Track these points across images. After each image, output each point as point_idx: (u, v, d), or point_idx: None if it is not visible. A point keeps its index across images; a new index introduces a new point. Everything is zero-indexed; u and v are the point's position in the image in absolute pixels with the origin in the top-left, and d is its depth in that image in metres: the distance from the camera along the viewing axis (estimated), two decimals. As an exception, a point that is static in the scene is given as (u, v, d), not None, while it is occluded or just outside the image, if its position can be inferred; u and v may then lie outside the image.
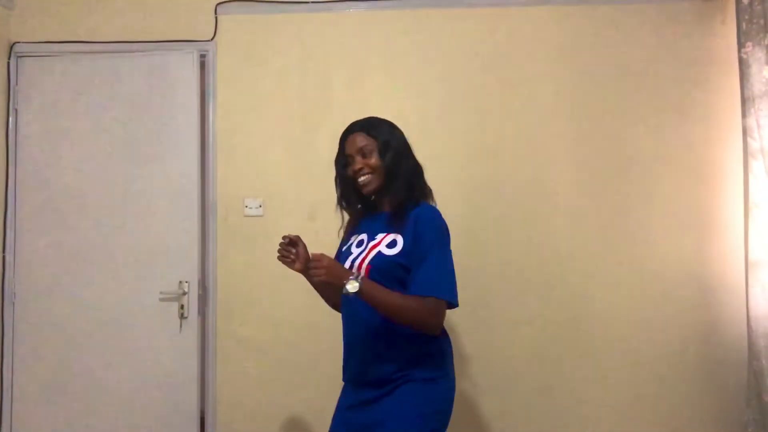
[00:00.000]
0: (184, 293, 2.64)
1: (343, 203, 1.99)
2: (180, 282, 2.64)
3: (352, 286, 1.66)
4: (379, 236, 1.83)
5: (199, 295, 2.66)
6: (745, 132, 2.61)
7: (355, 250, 1.87)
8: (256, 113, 2.78)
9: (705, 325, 2.76)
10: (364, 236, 1.88)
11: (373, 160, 1.87)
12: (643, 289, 2.76)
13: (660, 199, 2.77)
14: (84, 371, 2.64)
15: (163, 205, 2.68)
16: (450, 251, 1.82)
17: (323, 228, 2.70)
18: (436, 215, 1.84)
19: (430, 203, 1.91)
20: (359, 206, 1.99)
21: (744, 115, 2.61)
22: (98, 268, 2.67)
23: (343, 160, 1.95)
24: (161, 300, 2.64)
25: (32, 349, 2.66)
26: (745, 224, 2.63)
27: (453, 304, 1.77)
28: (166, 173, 2.69)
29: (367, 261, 1.80)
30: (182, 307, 2.63)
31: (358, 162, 1.88)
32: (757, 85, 2.55)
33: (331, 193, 2.67)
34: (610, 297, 2.75)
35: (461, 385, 2.70)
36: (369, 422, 1.78)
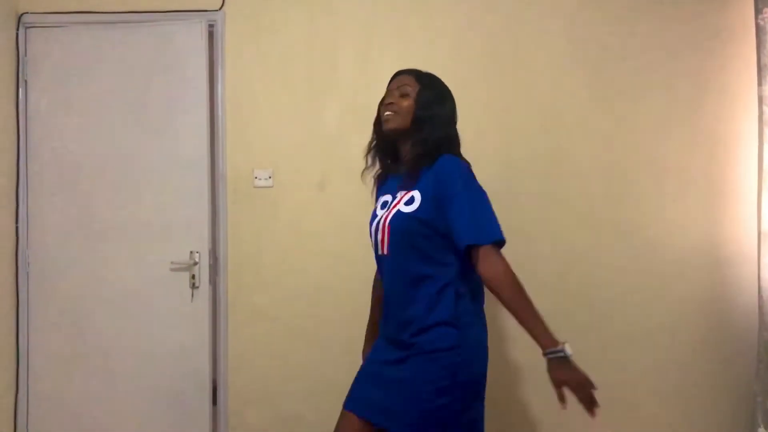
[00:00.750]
0: (195, 263, 2.66)
1: (375, 151, 1.94)
2: (191, 252, 2.66)
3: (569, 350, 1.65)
4: (399, 195, 1.80)
5: (210, 265, 2.68)
6: (760, 100, 2.57)
7: (380, 212, 1.85)
8: (265, 84, 2.77)
9: (716, 295, 2.75)
10: (388, 197, 1.86)
11: (407, 102, 1.81)
12: (654, 259, 2.75)
13: (673, 167, 2.74)
14: (97, 341, 2.68)
15: (174, 176, 2.69)
16: (480, 187, 1.75)
17: (333, 198, 2.71)
18: (456, 161, 1.76)
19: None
20: (388, 161, 1.93)
21: (760, 83, 2.57)
22: (110, 238, 2.69)
23: (382, 100, 1.90)
24: (172, 270, 2.67)
25: (47, 319, 2.70)
26: (758, 194, 2.61)
27: (501, 242, 1.70)
28: (175, 144, 2.69)
29: (387, 222, 1.79)
30: (193, 276, 2.66)
31: (391, 96, 1.84)
32: (773, 52, 2.50)
33: (340, 163, 2.71)
34: (619, 266, 2.74)
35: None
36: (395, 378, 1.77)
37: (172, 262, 2.66)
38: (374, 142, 1.94)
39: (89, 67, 2.72)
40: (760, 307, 2.56)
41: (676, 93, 2.75)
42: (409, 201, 1.75)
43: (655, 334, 2.75)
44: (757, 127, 2.61)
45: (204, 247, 2.67)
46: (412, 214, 1.73)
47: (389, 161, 1.93)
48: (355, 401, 1.84)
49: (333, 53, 2.76)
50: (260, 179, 2.74)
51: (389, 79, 1.92)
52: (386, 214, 1.81)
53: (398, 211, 1.76)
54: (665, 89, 2.75)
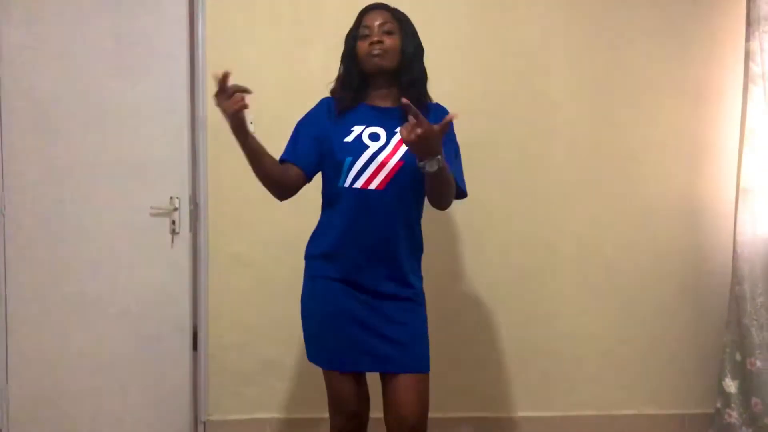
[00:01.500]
0: (175, 209, 2.63)
1: (345, 83, 1.89)
2: (171, 198, 2.63)
3: (436, 162, 1.60)
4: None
5: (190, 211, 2.66)
6: (747, 56, 2.57)
7: (372, 143, 1.80)
8: (247, 28, 2.69)
9: (692, 248, 2.81)
10: (378, 130, 1.82)
11: (392, 40, 1.82)
12: (633, 211, 2.79)
13: (656, 121, 2.76)
14: (77, 286, 2.66)
15: (153, 120, 2.62)
16: None
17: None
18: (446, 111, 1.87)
19: None
20: (354, 91, 1.89)
21: (747, 38, 2.56)
22: (87, 182, 2.63)
23: (355, 34, 1.86)
24: (152, 215, 2.63)
25: (23, 263, 2.66)
26: (739, 150, 2.63)
27: (465, 194, 1.90)
28: (154, 87, 2.61)
29: (397, 157, 1.77)
30: (173, 222, 2.63)
31: (376, 34, 1.81)
32: (764, 6, 2.48)
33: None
34: (599, 216, 2.78)
35: (451, 301, 2.76)
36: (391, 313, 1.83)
37: (151, 207, 2.63)
38: (345, 77, 1.90)
39: (65, 5, 2.61)
40: (734, 260, 2.62)
41: (663, 45, 2.74)
42: None
43: (630, 284, 2.81)
44: (743, 83, 2.61)
45: (184, 193, 2.64)
46: None
47: (354, 86, 1.89)
48: (348, 361, 1.85)
49: (318, -4, 2.68)
50: (242, 125, 2.69)
51: (359, 14, 1.89)
52: (390, 148, 1.78)
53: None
54: (652, 41, 2.73)
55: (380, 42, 1.80)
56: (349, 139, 1.81)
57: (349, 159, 1.79)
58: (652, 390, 2.85)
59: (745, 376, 2.61)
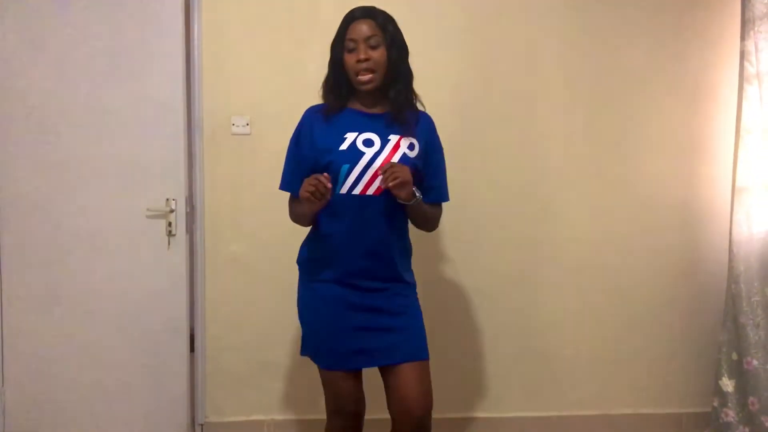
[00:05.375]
0: (172, 210, 2.62)
1: (333, 90, 1.91)
2: (167, 199, 2.62)
3: (419, 194, 1.82)
4: (394, 138, 1.85)
5: (186, 213, 2.65)
6: (742, 56, 2.57)
7: (367, 149, 1.83)
8: (244, 27, 2.68)
9: (688, 247, 2.82)
10: (372, 136, 1.84)
11: (378, 53, 1.82)
12: (629, 211, 2.79)
13: (652, 121, 2.76)
14: (73, 288, 2.65)
15: (149, 121, 2.61)
16: None
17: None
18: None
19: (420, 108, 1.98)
20: (342, 95, 1.92)
21: (743, 38, 2.56)
22: (84, 184, 2.63)
23: (341, 46, 1.86)
24: (148, 217, 2.63)
25: (19, 263, 2.65)
26: (735, 150, 2.64)
27: (446, 198, 2.02)
28: (150, 89, 2.60)
29: (394, 161, 1.81)
30: (170, 224, 2.62)
31: (363, 51, 1.82)
32: (758, 5, 2.49)
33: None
34: (595, 218, 2.78)
35: (446, 303, 2.77)
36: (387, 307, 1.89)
37: (148, 209, 2.62)
38: (333, 85, 1.92)
39: (59, 6, 2.60)
40: (730, 260, 2.62)
41: (659, 45, 2.74)
42: (411, 146, 1.86)
43: (627, 284, 2.82)
44: (738, 83, 2.62)
45: (181, 195, 2.63)
46: (415, 160, 1.86)
47: (343, 94, 1.91)
48: (348, 358, 1.89)
49: (313, -3, 2.68)
50: (238, 126, 2.69)
51: (343, 18, 1.88)
52: (386, 154, 1.82)
53: (405, 155, 1.83)
54: (648, 40, 2.74)
55: (367, 60, 1.81)
56: (344, 147, 1.83)
57: (346, 167, 1.81)
58: (649, 389, 2.85)
59: (741, 375, 2.61)
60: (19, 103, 2.61)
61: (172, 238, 2.64)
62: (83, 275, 2.65)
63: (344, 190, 1.82)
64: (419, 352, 1.88)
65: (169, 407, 2.69)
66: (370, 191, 1.81)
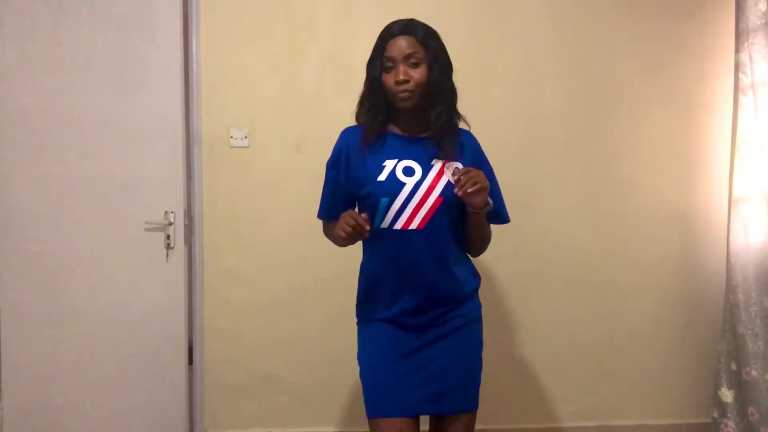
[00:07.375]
0: (170, 223, 2.63)
1: (371, 113, 1.73)
2: (165, 212, 2.63)
3: (491, 201, 1.71)
4: (437, 164, 1.71)
5: (185, 226, 2.66)
6: (737, 67, 2.59)
7: (407, 179, 1.68)
8: (241, 41, 2.70)
9: (686, 258, 2.82)
10: (412, 164, 1.70)
11: (419, 73, 1.67)
12: (626, 223, 2.80)
13: (648, 132, 2.78)
14: (72, 300, 2.65)
15: (147, 134, 2.63)
16: None
17: (309, 159, 2.68)
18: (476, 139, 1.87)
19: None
20: (380, 119, 1.75)
21: (737, 50, 2.58)
22: (82, 197, 2.63)
23: (379, 64, 1.70)
24: (147, 230, 2.63)
25: (15, 278, 2.65)
26: (731, 160, 2.65)
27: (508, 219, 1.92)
28: (149, 101, 2.62)
29: (436, 193, 1.68)
30: (168, 237, 2.63)
31: (402, 71, 1.66)
32: (752, 18, 2.51)
33: (318, 123, 2.67)
34: (593, 229, 2.79)
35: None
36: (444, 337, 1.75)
37: (146, 222, 2.63)
38: (371, 108, 1.74)
39: (57, 21, 2.62)
40: (728, 270, 2.62)
41: (654, 57, 2.76)
42: (455, 172, 1.66)
43: (625, 295, 2.81)
44: (733, 94, 2.64)
45: (179, 207, 2.64)
46: None
47: (381, 118, 1.75)
48: (406, 405, 1.71)
49: (312, 7, 2.70)
50: (236, 139, 2.70)
51: (380, 33, 1.73)
52: (428, 183, 1.68)
53: (450, 182, 1.66)
54: (643, 53, 2.76)
55: (406, 81, 1.66)
56: (382, 177, 1.68)
57: (385, 200, 1.68)
58: (648, 400, 2.85)
59: (740, 385, 2.61)
60: (17, 118, 2.62)
61: (170, 251, 2.65)
62: (81, 288, 2.65)
63: (385, 224, 1.69)
64: (470, 403, 1.77)
65: (167, 420, 2.68)
66: (413, 225, 1.67)
